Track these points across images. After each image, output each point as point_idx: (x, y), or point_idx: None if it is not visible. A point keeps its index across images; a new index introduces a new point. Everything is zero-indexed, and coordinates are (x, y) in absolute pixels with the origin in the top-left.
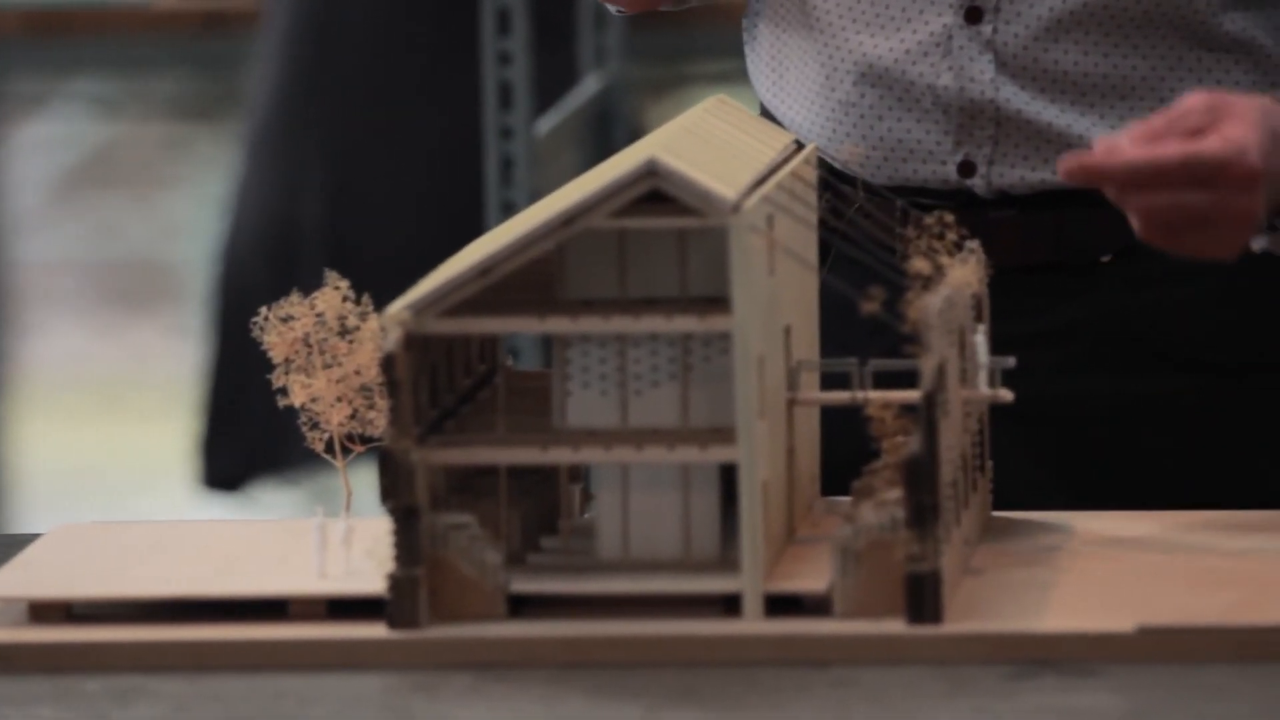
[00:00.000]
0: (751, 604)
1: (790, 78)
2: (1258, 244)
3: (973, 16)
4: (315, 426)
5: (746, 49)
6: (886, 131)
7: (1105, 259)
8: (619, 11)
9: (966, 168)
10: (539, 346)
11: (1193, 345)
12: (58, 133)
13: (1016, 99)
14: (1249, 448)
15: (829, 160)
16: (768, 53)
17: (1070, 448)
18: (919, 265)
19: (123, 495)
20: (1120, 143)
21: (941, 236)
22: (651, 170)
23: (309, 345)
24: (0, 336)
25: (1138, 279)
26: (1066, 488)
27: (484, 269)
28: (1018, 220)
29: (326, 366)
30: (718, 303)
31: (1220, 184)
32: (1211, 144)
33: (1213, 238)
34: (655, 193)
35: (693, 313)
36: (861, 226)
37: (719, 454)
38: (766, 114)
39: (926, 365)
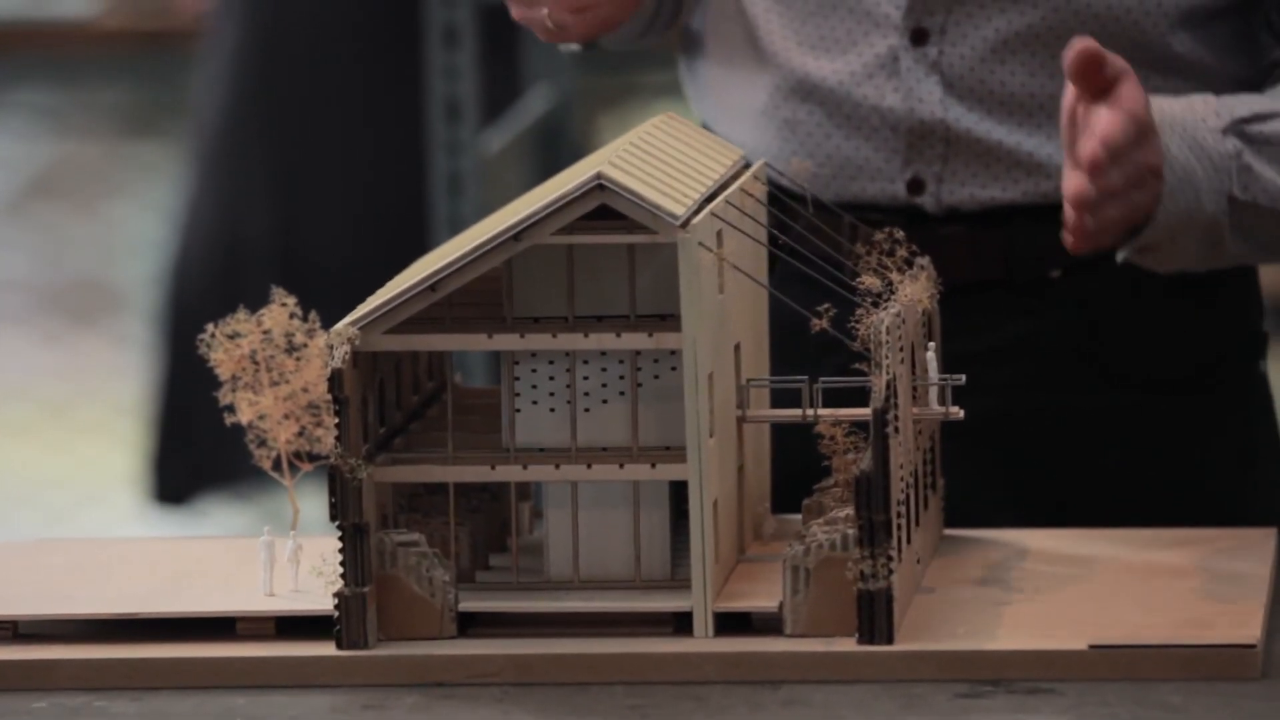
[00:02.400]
0: (702, 622)
1: (734, 98)
2: (1120, 255)
3: (919, 39)
4: (263, 444)
5: (683, 72)
6: (834, 149)
7: (1054, 275)
8: (572, 49)
9: (915, 185)
10: (487, 363)
11: (1141, 361)
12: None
13: (965, 119)
14: (1195, 462)
15: (775, 177)
16: (710, 75)
17: (1019, 464)
18: (869, 281)
19: (68, 511)
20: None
21: (892, 253)
22: (600, 186)
23: (256, 362)
24: None
25: (1087, 296)
26: (1015, 503)
27: (431, 285)
28: (967, 237)
29: (274, 384)
30: (667, 320)
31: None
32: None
33: (1138, 201)
34: (604, 209)
35: (642, 330)
36: (811, 242)
37: (669, 472)
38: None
39: (877, 382)
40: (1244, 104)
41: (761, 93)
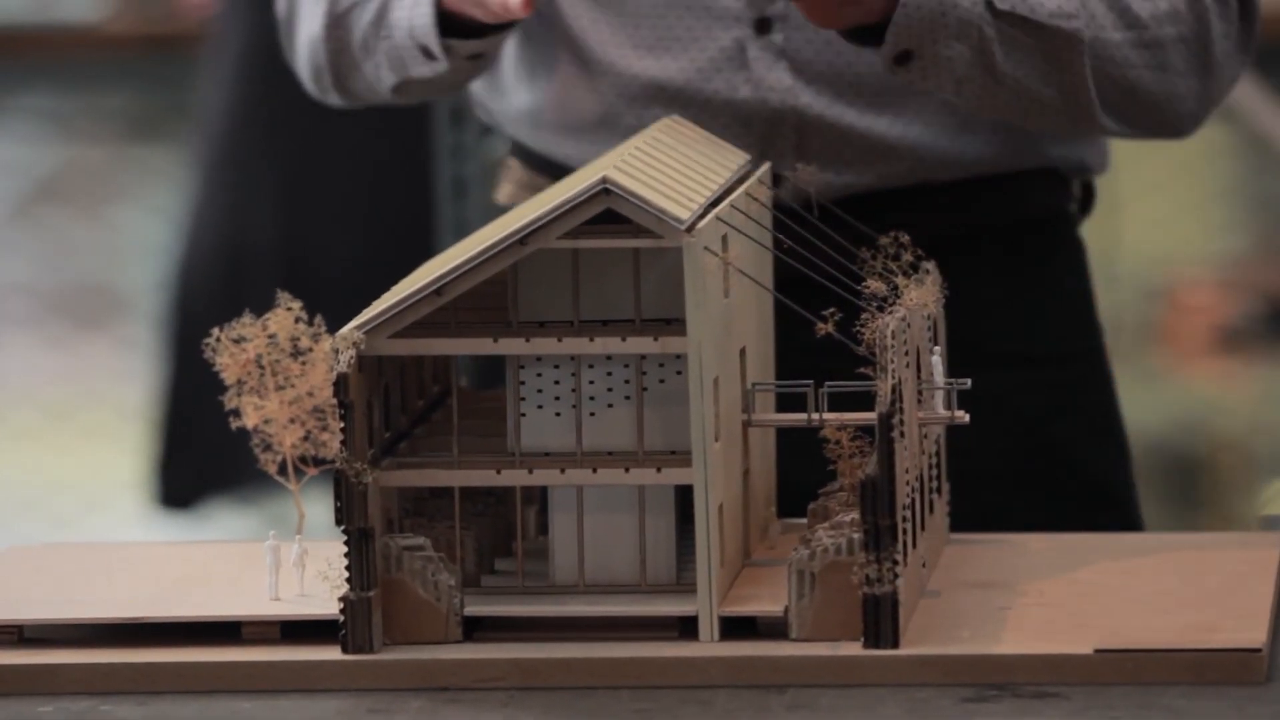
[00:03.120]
0: (707, 627)
1: (568, 115)
2: (882, 65)
3: (762, 27)
4: (268, 448)
5: (491, 107)
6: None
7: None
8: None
9: (774, 178)
10: (477, 366)
11: (1007, 340)
12: (9, 153)
13: (816, 104)
14: (1069, 437)
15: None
16: (537, 100)
17: None
18: (874, 285)
19: (73, 516)
20: None
21: (897, 257)
22: (605, 190)
23: (261, 367)
24: None
25: (948, 278)
26: None
27: (437, 289)
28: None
29: (279, 388)
30: (672, 324)
31: None
32: None
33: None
34: (609, 213)
35: (647, 334)
36: (816, 246)
37: (674, 476)
38: (533, 158)
39: (882, 387)
40: None
41: (598, 103)
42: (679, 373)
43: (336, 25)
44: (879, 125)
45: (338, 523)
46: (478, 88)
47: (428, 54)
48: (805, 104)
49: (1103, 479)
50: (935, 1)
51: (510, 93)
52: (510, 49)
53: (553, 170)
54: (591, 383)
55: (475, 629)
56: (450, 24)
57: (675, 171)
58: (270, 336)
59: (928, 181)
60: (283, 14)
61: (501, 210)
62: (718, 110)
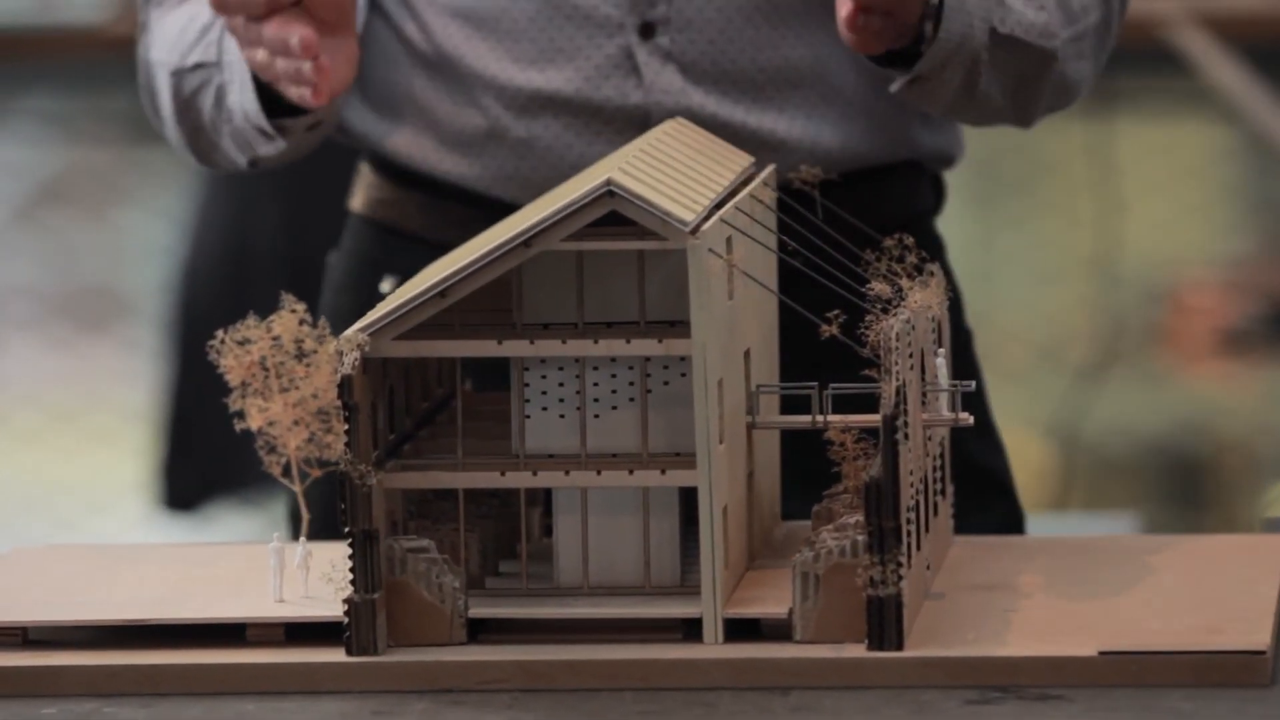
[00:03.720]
0: (711, 628)
1: (446, 133)
2: (895, 85)
3: (647, 32)
4: (272, 450)
5: (357, 130)
6: (577, 158)
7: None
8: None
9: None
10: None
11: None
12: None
13: (707, 103)
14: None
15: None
16: (413, 120)
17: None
18: (879, 287)
19: (77, 517)
20: None
21: (902, 259)
22: (610, 192)
23: (266, 369)
24: None
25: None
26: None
27: (441, 291)
28: None
29: (283, 390)
30: (677, 326)
31: None
32: None
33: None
34: (614, 215)
35: (651, 336)
36: (820, 248)
37: (679, 478)
38: (394, 170)
39: (887, 389)
40: None
41: (482, 118)
42: (683, 375)
43: (186, 109)
44: (767, 121)
45: (342, 525)
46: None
47: (266, 134)
48: (698, 104)
49: (989, 469)
50: (959, 33)
51: (380, 115)
52: (374, 78)
53: (428, 186)
54: (596, 385)
55: (479, 631)
56: (278, 100)
57: (679, 173)
58: (274, 338)
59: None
60: (144, 87)
61: (356, 218)
62: (610, 116)
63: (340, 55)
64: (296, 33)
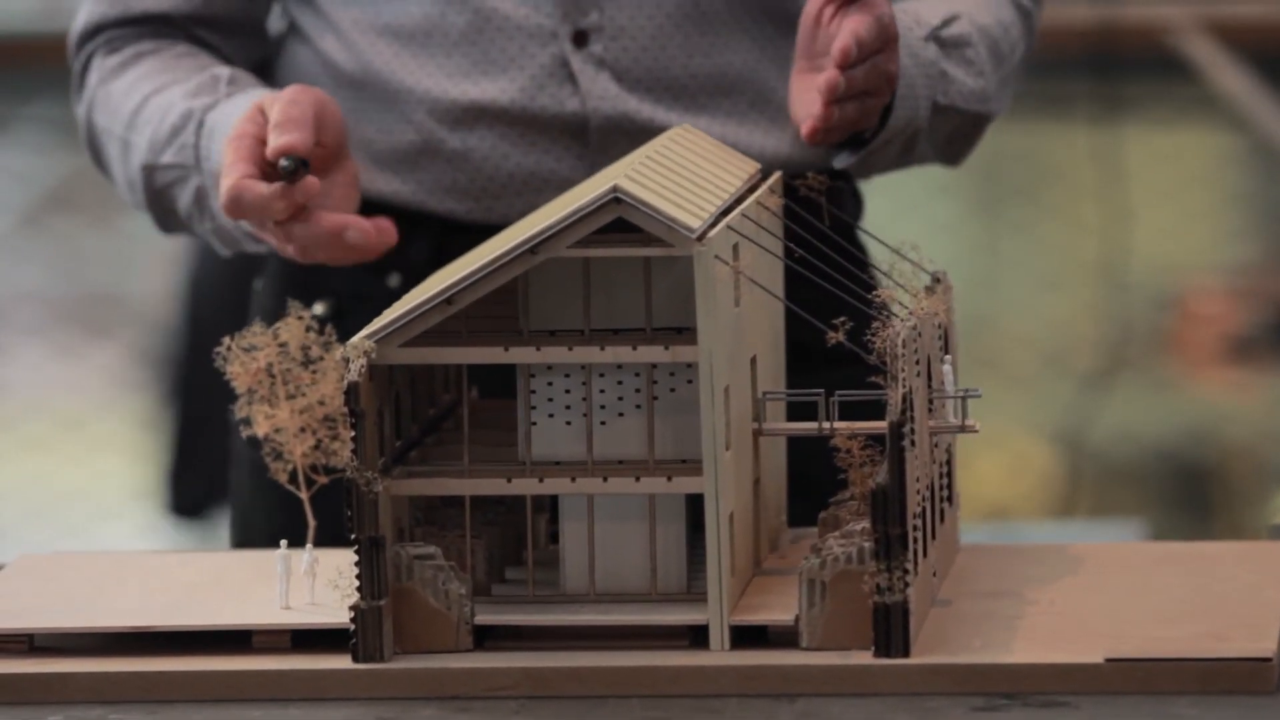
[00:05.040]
0: (718, 635)
1: (384, 149)
2: (839, 161)
3: (580, 40)
4: (279, 457)
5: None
6: (514, 167)
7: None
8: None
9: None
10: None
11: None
12: (20, 162)
13: (643, 109)
14: None
15: (432, 211)
16: (351, 137)
17: None
18: (886, 294)
19: (84, 524)
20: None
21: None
22: (616, 199)
23: (272, 375)
24: None
25: None
26: None
27: (447, 298)
28: None
29: (290, 397)
30: (683, 333)
31: (884, 46)
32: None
33: (870, 106)
34: (620, 222)
35: (658, 343)
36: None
37: (685, 485)
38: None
39: (893, 396)
40: (930, 10)
41: (415, 133)
42: (690, 381)
43: (158, 198)
44: (700, 125)
45: (348, 532)
46: None
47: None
48: (634, 110)
49: None
50: (906, 117)
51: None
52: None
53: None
54: (602, 391)
55: (486, 638)
56: None
57: (686, 180)
58: (281, 345)
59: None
60: (86, 143)
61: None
62: (546, 125)
63: (349, 177)
64: (346, 228)
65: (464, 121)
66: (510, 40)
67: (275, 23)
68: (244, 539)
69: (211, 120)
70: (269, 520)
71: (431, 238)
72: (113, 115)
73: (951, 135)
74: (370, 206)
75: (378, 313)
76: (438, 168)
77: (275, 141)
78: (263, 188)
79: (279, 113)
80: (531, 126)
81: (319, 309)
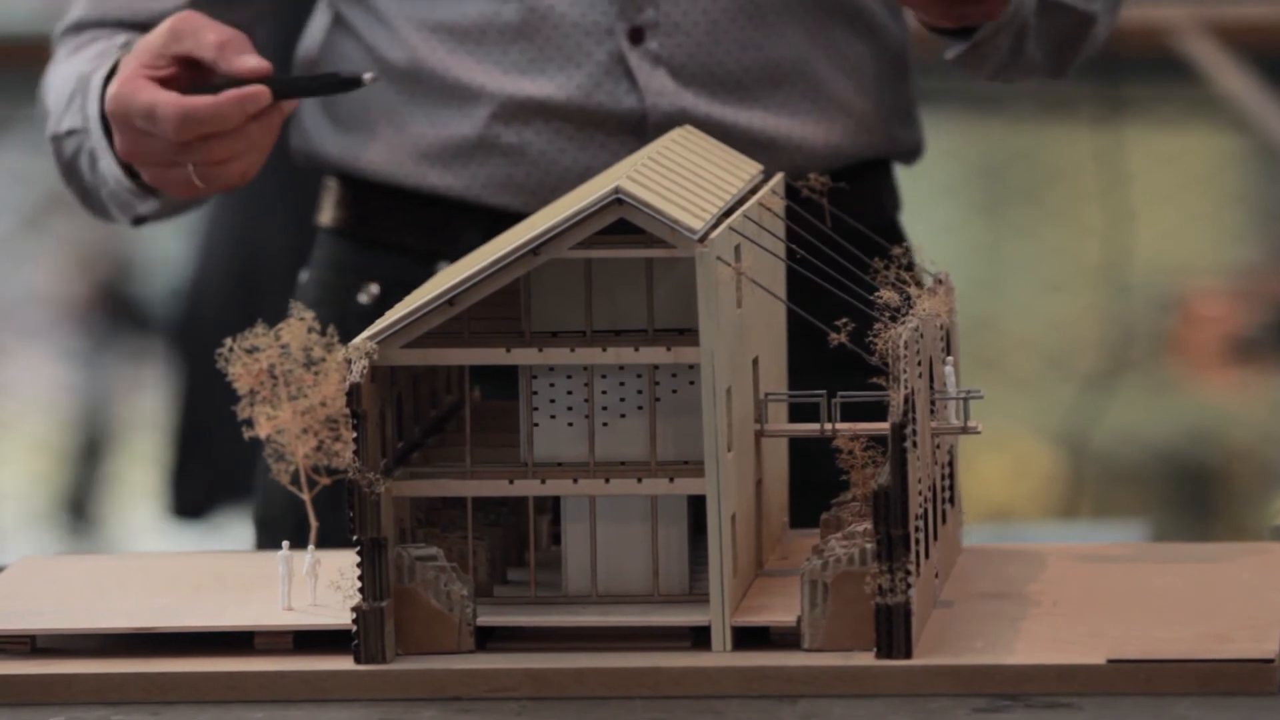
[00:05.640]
0: (720, 637)
1: (438, 144)
2: (951, 52)
3: (636, 37)
4: (281, 458)
5: (320, 151)
6: (571, 162)
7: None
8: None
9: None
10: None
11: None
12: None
13: (699, 105)
14: None
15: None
16: (391, 134)
17: None
18: (888, 295)
19: (87, 525)
20: None
21: (910, 267)
22: (618, 200)
23: (274, 377)
24: None
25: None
26: None
27: (449, 300)
28: None
29: (292, 398)
30: (685, 334)
31: None
32: None
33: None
34: (622, 223)
35: (660, 344)
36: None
37: (687, 486)
38: (366, 186)
39: (895, 397)
40: None
41: (471, 128)
42: (692, 382)
43: (70, 173)
44: (756, 120)
45: (350, 533)
46: (296, 137)
47: (143, 192)
48: (691, 105)
49: None
50: (1015, 4)
51: (349, 133)
52: (341, 96)
53: (410, 198)
54: (604, 393)
55: (488, 639)
56: None
57: (688, 181)
58: (283, 346)
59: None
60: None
61: (329, 233)
62: (604, 121)
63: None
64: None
65: (520, 116)
66: (566, 38)
67: (320, 16)
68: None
69: (98, 79)
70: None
71: (484, 229)
72: (52, 98)
73: (1060, 39)
74: (420, 199)
75: None
76: (493, 162)
77: (250, 63)
78: (208, 99)
79: (216, 36)
80: (589, 123)
81: (364, 298)
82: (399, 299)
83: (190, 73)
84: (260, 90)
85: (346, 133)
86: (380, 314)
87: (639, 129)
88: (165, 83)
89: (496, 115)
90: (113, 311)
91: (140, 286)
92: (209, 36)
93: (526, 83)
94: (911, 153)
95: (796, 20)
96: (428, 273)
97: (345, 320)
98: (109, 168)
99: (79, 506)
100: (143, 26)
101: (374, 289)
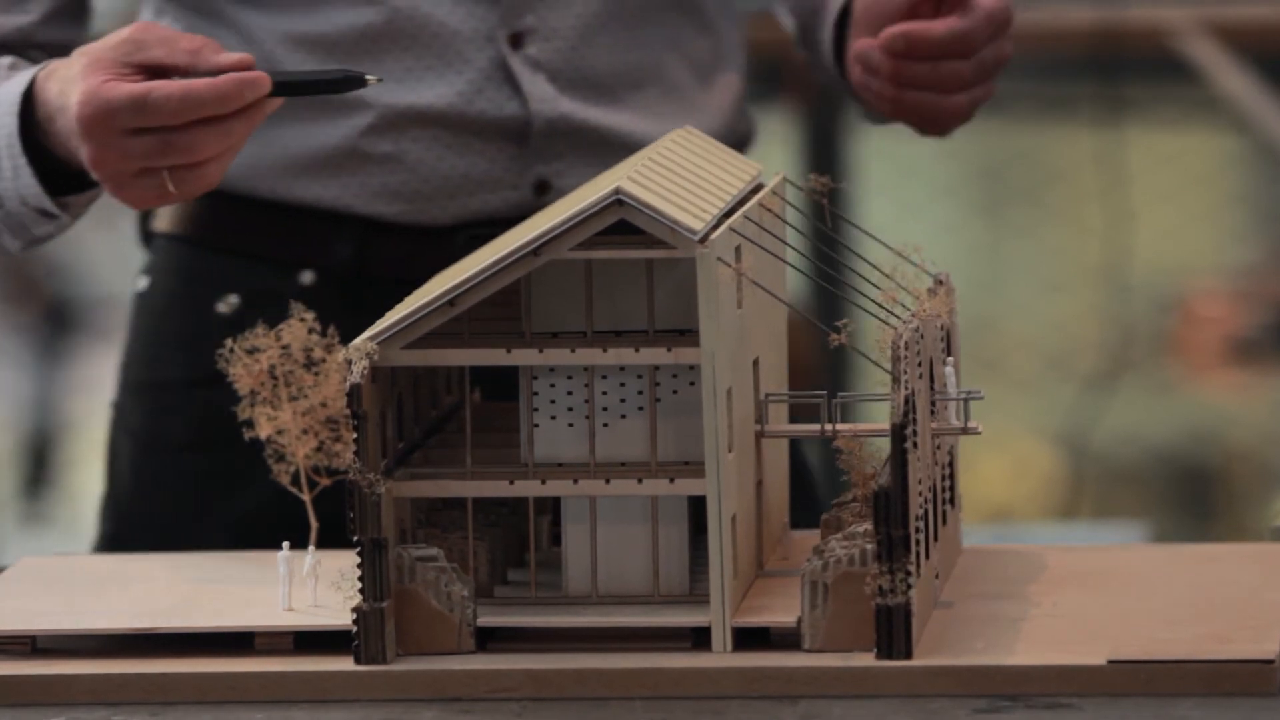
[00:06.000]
0: (720, 637)
1: (307, 156)
2: (823, 76)
3: (517, 42)
4: (281, 459)
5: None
6: (449, 169)
7: None
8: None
9: (541, 187)
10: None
11: None
12: None
13: (576, 110)
14: None
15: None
16: (256, 146)
17: None
18: (888, 296)
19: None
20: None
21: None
22: (618, 201)
23: (274, 377)
24: None
25: None
26: None
27: (450, 300)
28: None
29: (292, 399)
30: (686, 335)
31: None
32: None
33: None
34: (622, 224)
35: (660, 345)
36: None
37: (687, 487)
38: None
39: (896, 397)
40: None
41: (344, 138)
42: (692, 383)
43: None
44: (624, 122)
45: (350, 533)
46: None
47: (47, 214)
48: (570, 110)
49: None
50: None
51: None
52: None
53: (270, 208)
54: (605, 393)
55: (488, 640)
56: (55, 174)
57: (688, 182)
58: (284, 347)
59: None
60: None
61: (171, 240)
62: (485, 128)
63: None
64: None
65: (398, 125)
66: (446, 45)
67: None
68: (120, 531)
69: (9, 97)
70: (149, 506)
71: (355, 238)
72: None
73: None
74: (286, 210)
75: (289, 310)
76: (366, 172)
77: (233, 57)
78: (208, 80)
79: (189, 41)
80: (469, 130)
81: (223, 308)
82: (262, 308)
83: (154, 81)
84: (261, 76)
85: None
86: (241, 323)
87: (521, 135)
88: None
89: (374, 125)
90: (114, 312)
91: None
92: (181, 43)
93: (405, 92)
94: (744, 142)
95: (652, 21)
96: (292, 282)
97: (201, 331)
98: (12, 187)
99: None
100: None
101: (233, 299)
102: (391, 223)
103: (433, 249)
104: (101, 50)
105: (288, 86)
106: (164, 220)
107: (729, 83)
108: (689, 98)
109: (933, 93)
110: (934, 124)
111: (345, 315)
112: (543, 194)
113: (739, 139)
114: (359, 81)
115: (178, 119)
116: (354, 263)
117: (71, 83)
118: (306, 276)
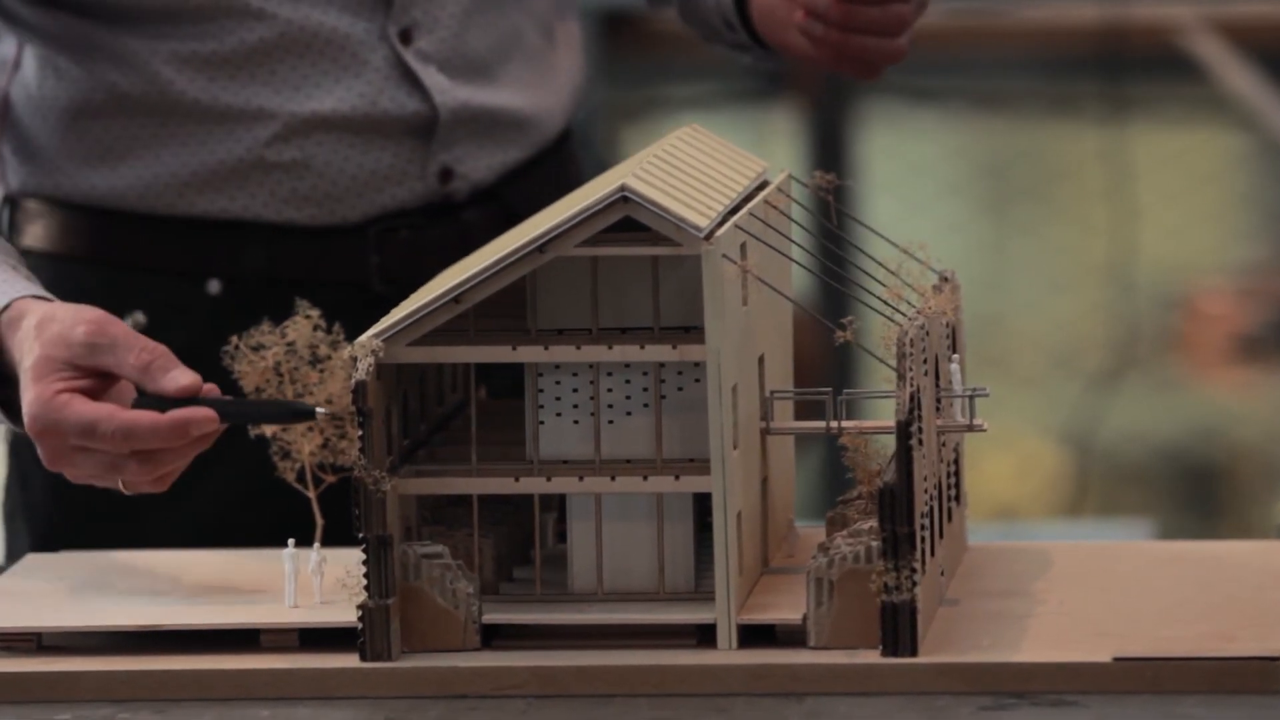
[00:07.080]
0: (725, 634)
1: (206, 170)
2: (746, 59)
3: (406, 39)
4: (286, 456)
5: (48, 182)
6: (356, 169)
7: None
8: None
9: (445, 175)
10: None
11: None
12: None
13: (472, 96)
14: None
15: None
16: (146, 166)
17: None
18: (893, 293)
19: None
20: None
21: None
22: (624, 198)
23: (280, 374)
24: None
25: None
26: None
27: (455, 297)
28: (500, 212)
29: (298, 396)
30: (691, 332)
31: None
32: None
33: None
34: (628, 221)
35: (666, 342)
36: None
37: (693, 484)
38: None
39: (901, 394)
40: None
41: (245, 150)
42: (698, 380)
43: None
44: (509, 100)
45: (356, 531)
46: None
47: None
48: (467, 97)
49: None
50: None
51: (84, 165)
52: (62, 128)
53: (164, 224)
54: (610, 390)
55: (493, 636)
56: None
57: (694, 179)
58: (289, 344)
59: (544, 145)
60: None
61: (57, 259)
62: (390, 126)
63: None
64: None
65: (300, 132)
66: (340, 50)
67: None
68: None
69: None
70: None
71: (264, 244)
72: None
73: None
74: (189, 224)
75: (198, 321)
76: (274, 180)
77: (180, 381)
78: (151, 420)
79: (137, 356)
80: (374, 130)
81: (130, 322)
82: (172, 321)
83: (105, 384)
84: (208, 414)
85: (85, 165)
86: (152, 338)
87: (427, 128)
88: (85, 394)
89: (279, 134)
90: None
91: None
92: (129, 357)
93: (304, 99)
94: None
95: None
96: (200, 292)
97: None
98: None
99: None
100: None
101: (139, 317)
102: (303, 227)
103: (344, 247)
104: (54, 348)
105: (235, 416)
106: (27, 236)
107: (568, 31)
108: (545, 60)
109: (877, 37)
110: (873, 69)
111: (256, 321)
112: (446, 182)
113: (580, 109)
114: (309, 413)
115: (123, 449)
116: (264, 268)
117: (24, 369)
118: (214, 286)
